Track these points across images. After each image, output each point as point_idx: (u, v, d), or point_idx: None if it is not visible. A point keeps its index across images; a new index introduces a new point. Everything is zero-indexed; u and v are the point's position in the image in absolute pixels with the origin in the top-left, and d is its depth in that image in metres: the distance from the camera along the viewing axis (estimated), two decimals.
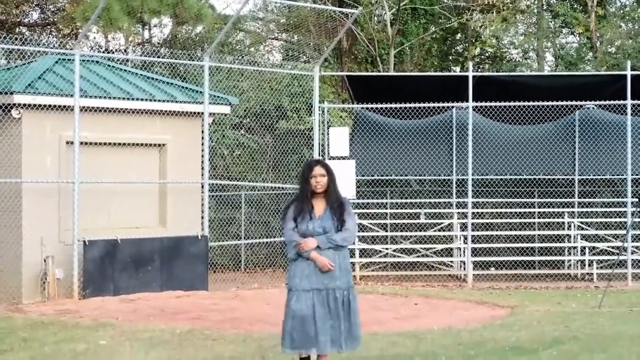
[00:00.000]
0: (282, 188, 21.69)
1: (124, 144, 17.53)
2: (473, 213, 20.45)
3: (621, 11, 35.54)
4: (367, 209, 22.72)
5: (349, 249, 8.45)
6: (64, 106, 16.38)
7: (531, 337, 11.89)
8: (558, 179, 23.50)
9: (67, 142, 16.56)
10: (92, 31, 29.98)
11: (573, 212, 22.45)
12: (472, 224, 20.28)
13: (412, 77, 24.17)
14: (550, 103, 20.40)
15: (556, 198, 23.20)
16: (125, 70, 18.67)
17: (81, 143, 16.36)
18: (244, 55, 28.48)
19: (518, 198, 23.19)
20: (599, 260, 20.83)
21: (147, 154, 17.91)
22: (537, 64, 35.94)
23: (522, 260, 21.35)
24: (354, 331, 8.32)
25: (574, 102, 20.58)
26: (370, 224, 21.84)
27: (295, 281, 8.25)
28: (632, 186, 20.28)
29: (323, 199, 8.31)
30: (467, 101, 20.06)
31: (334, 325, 8.20)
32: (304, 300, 8.19)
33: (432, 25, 33.15)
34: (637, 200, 19.95)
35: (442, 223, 22.17)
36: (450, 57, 36.24)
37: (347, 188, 18.62)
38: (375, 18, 32.62)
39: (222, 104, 18.76)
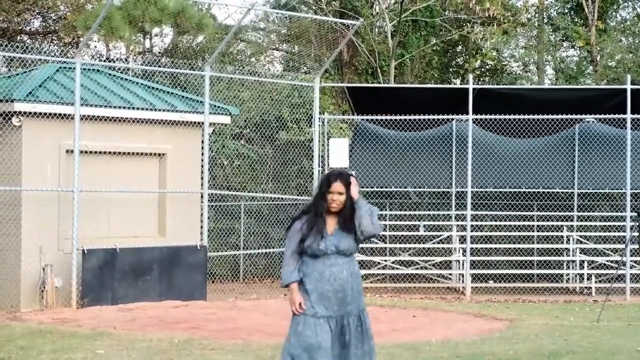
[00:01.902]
0: (282, 199, 21.69)
1: (124, 153, 17.54)
2: (472, 226, 20.45)
3: (622, 25, 35.62)
4: None
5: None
6: (65, 114, 16.39)
7: (529, 351, 11.89)
8: (557, 192, 23.51)
9: (67, 151, 16.57)
10: (93, 40, 30.01)
11: (572, 225, 22.45)
12: (471, 236, 20.28)
13: (412, 89, 24.19)
14: (550, 116, 20.43)
15: (555, 211, 23.19)
16: (126, 79, 18.70)
17: (81, 152, 16.37)
18: (244, 66, 28.52)
19: (517, 211, 23.18)
20: (597, 274, 20.82)
21: (147, 163, 17.93)
22: (538, 77, 35.99)
23: (521, 274, 21.32)
24: (371, 356, 7.33)
25: (573, 116, 20.59)
26: None
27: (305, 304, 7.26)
28: (631, 200, 20.28)
29: (337, 216, 7.32)
30: (467, 114, 20.08)
31: (344, 355, 7.22)
32: (313, 328, 7.19)
33: (432, 37, 33.20)
34: (636, 214, 19.95)
35: (441, 235, 22.16)
36: (451, 70, 36.29)
37: None
38: (376, 30, 32.68)
39: (222, 114, 18.79)
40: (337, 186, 7.26)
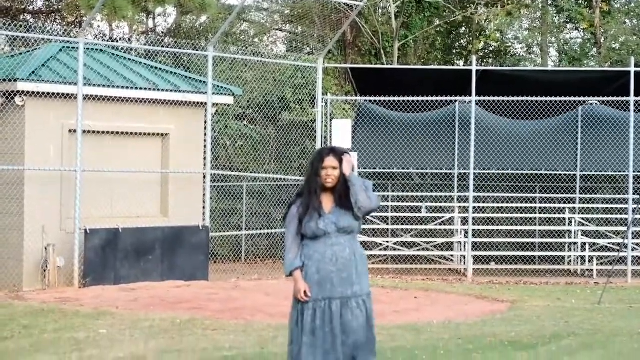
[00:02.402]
0: (284, 180, 21.70)
1: (127, 133, 17.53)
2: (474, 207, 20.45)
3: (626, 7, 35.48)
4: None
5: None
6: (68, 94, 16.38)
7: (530, 332, 11.90)
8: (560, 174, 23.49)
9: (70, 131, 16.57)
10: (96, 19, 29.96)
11: (574, 208, 22.45)
12: (473, 218, 20.28)
13: (415, 70, 24.16)
14: (553, 98, 20.40)
15: (557, 194, 23.18)
16: (129, 59, 18.67)
17: (84, 131, 16.36)
18: (247, 46, 28.47)
19: (519, 193, 23.18)
20: (599, 256, 20.83)
21: (150, 143, 17.92)
22: (541, 59, 35.87)
23: (523, 256, 21.34)
24: (371, 346, 7.04)
25: (577, 98, 20.55)
26: (371, 216, 21.84)
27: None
28: (633, 183, 20.27)
29: (332, 194, 7.06)
30: (470, 95, 20.06)
31: (346, 342, 6.94)
32: (314, 312, 6.98)
33: (436, 18, 33.11)
34: (638, 197, 19.94)
35: (443, 217, 22.16)
36: (454, 51, 36.19)
37: None
38: (380, 10, 32.58)
39: (225, 94, 18.76)
40: (330, 161, 7.02)
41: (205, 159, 18.32)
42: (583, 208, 22.69)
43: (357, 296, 7.04)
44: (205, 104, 18.27)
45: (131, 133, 17.58)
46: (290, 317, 7.11)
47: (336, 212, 7.04)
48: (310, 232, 7.01)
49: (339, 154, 7.06)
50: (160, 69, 18.69)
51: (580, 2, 34.61)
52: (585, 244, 21.00)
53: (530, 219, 22.51)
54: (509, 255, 21.06)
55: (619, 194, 23.15)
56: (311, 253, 7.05)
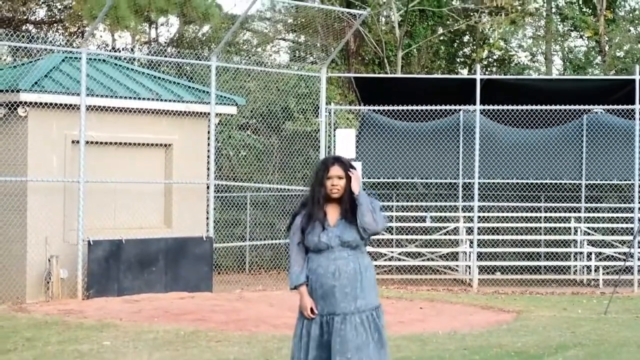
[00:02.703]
0: (288, 190, 21.63)
1: (130, 144, 17.48)
2: (479, 217, 20.37)
3: (630, 15, 35.44)
4: None
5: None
6: (70, 105, 16.35)
7: (537, 343, 11.84)
8: (565, 183, 23.41)
9: (73, 141, 16.53)
10: (99, 30, 29.97)
11: (579, 217, 22.36)
12: (478, 228, 20.21)
13: (419, 80, 24.11)
14: (557, 107, 20.33)
15: (563, 203, 23.10)
16: (131, 69, 18.64)
17: (87, 142, 16.32)
18: (251, 56, 28.45)
19: (524, 202, 23.10)
20: (605, 266, 20.73)
21: (153, 153, 17.87)
22: (545, 67, 35.84)
23: (528, 265, 21.26)
24: None
25: (581, 106, 20.49)
26: None
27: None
28: (639, 191, 20.18)
29: (338, 205, 6.85)
30: (474, 104, 20.01)
31: (353, 357, 6.64)
32: (322, 327, 6.78)
33: (440, 27, 33.08)
34: None
35: (448, 227, 22.09)
36: (458, 60, 36.16)
37: None
38: (383, 19, 32.57)
39: (228, 104, 18.73)
40: (336, 170, 6.79)
41: (208, 169, 18.27)
42: (588, 217, 22.61)
43: (361, 311, 6.75)
44: (209, 114, 18.23)
45: (134, 144, 17.53)
46: (294, 332, 6.93)
47: (341, 225, 6.82)
48: (312, 245, 6.81)
49: (344, 162, 6.85)
50: (163, 79, 18.66)
51: (585, 10, 34.59)
52: (591, 253, 20.91)
53: (536, 228, 22.43)
54: (514, 265, 20.97)
55: (624, 202, 23.08)
56: (315, 267, 6.85)
